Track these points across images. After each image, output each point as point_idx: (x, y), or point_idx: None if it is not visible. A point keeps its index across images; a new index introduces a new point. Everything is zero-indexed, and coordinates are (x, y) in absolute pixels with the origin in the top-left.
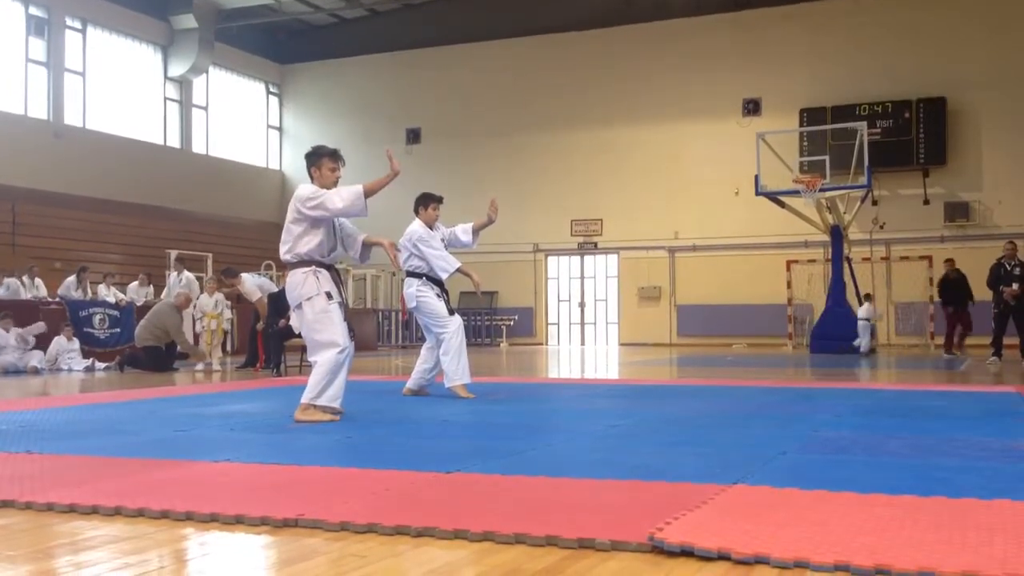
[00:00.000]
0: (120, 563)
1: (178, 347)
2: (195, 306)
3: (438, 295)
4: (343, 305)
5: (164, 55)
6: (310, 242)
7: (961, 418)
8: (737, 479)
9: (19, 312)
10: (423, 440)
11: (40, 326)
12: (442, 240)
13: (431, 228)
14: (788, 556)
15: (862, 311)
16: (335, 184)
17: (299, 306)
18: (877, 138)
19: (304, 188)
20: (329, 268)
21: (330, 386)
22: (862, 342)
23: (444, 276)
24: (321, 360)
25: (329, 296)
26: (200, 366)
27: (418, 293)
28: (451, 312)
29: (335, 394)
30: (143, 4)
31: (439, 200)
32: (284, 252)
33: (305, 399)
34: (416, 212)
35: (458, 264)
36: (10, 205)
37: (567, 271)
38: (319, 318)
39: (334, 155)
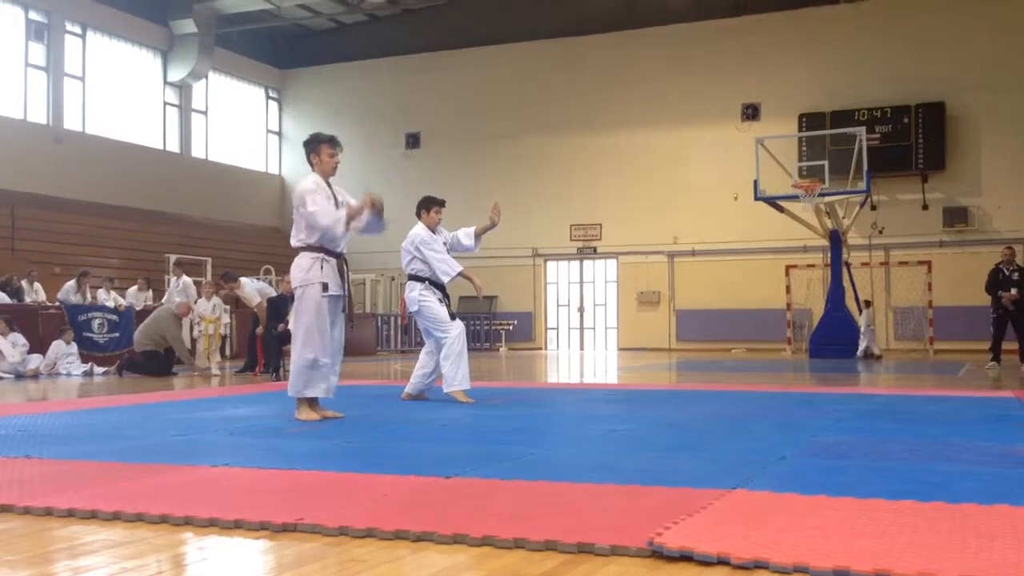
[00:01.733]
0: (118, 568)
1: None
2: (193, 310)
3: (440, 300)
4: (345, 297)
5: (164, 60)
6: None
7: (960, 423)
8: (737, 484)
9: (18, 317)
10: (422, 445)
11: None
12: (444, 244)
13: (433, 231)
14: (787, 561)
15: (868, 317)
16: (334, 169)
17: (298, 288)
18: (876, 143)
19: (302, 187)
20: (338, 257)
21: (310, 383)
22: (873, 348)
23: (446, 280)
24: (293, 356)
25: (325, 287)
26: (198, 370)
27: (420, 297)
28: (452, 317)
29: (317, 387)
30: (143, 9)
31: (441, 203)
32: (293, 240)
33: (290, 393)
34: (418, 215)
35: (460, 268)
36: (9, 209)
37: (566, 276)
38: (307, 307)
39: (332, 141)
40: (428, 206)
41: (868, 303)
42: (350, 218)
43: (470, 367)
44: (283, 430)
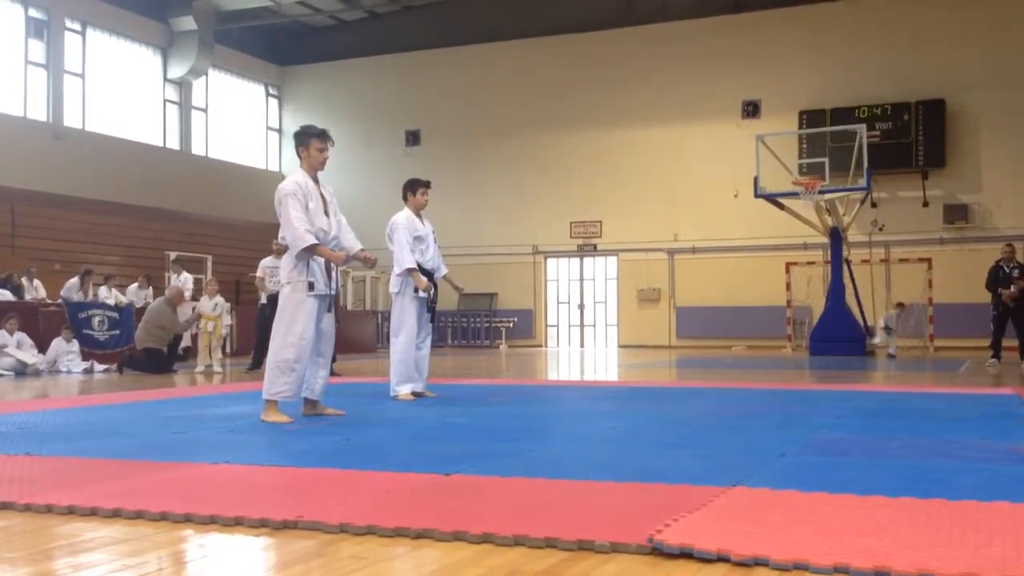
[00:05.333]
0: (119, 565)
1: (180, 342)
2: (194, 309)
3: (415, 292)
4: (330, 297)
5: (164, 57)
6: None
7: (960, 420)
8: (736, 481)
9: (19, 314)
10: (422, 442)
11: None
12: (433, 233)
13: (419, 215)
14: (787, 558)
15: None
16: (323, 164)
17: (285, 286)
18: (876, 140)
19: (283, 189)
20: None
21: (282, 385)
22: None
23: (397, 271)
24: (270, 353)
25: (311, 286)
26: (200, 367)
27: (401, 281)
28: (431, 308)
29: (290, 389)
30: (143, 6)
31: (427, 184)
32: (280, 237)
33: (264, 395)
34: (404, 199)
35: (409, 266)
36: (9, 207)
37: (567, 273)
38: (290, 306)
39: (322, 135)
40: (414, 188)
41: (900, 305)
42: (327, 255)
43: (429, 367)
44: (283, 427)
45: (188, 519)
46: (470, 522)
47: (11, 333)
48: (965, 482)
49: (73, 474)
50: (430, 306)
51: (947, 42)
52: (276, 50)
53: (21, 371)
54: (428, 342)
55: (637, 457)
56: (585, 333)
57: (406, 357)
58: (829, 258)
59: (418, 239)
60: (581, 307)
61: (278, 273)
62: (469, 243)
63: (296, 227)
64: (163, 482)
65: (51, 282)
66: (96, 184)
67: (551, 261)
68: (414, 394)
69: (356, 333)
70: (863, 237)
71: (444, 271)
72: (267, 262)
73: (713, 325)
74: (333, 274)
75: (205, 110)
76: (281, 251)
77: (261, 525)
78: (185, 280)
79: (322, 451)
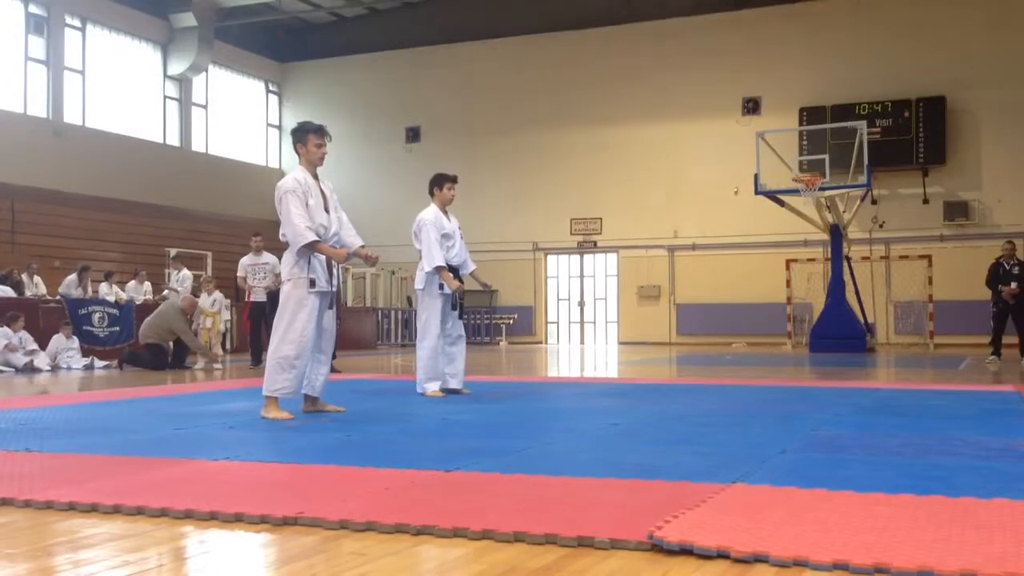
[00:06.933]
0: (119, 561)
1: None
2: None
3: (441, 288)
4: (331, 294)
5: (164, 53)
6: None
7: (960, 417)
8: (736, 478)
9: (19, 310)
10: (422, 438)
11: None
12: (459, 230)
13: (445, 211)
14: (787, 555)
15: None
16: (321, 160)
17: (286, 283)
18: (877, 137)
19: (284, 186)
20: None
21: (282, 382)
22: None
23: (426, 268)
24: (271, 350)
25: (312, 283)
26: (202, 364)
27: (426, 279)
28: (454, 306)
29: (290, 386)
30: (143, 2)
31: (453, 179)
32: (281, 235)
33: (264, 391)
34: (431, 194)
35: (439, 263)
36: (9, 203)
37: (567, 270)
38: (291, 303)
39: (320, 130)
40: (440, 183)
41: None
42: (328, 252)
43: (441, 368)
44: (283, 424)
45: (188, 515)
46: (470, 519)
47: (15, 331)
48: (965, 479)
49: (73, 470)
50: (458, 302)
51: (948, 39)
52: (276, 46)
53: (22, 368)
54: (462, 339)
55: (637, 454)
56: (585, 330)
57: (432, 355)
58: (829, 255)
59: (445, 236)
60: (581, 304)
61: (259, 271)
62: (469, 240)
63: (296, 224)
64: (163, 478)
65: (51, 279)
66: (96, 180)
67: (551, 258)
68: (446, 391)
69: (356, 330)
70: (863, 234)
71: (471, 268)
72: (246, 260)
73: (713, 322)
74: (334, 271)
75: (205, 106)
76: (260, 248)
77: (261, 521)
78: (184, 278)
79: (322, 447)
